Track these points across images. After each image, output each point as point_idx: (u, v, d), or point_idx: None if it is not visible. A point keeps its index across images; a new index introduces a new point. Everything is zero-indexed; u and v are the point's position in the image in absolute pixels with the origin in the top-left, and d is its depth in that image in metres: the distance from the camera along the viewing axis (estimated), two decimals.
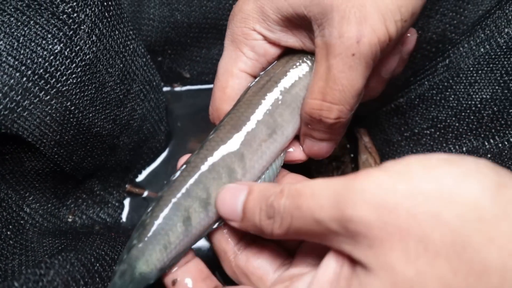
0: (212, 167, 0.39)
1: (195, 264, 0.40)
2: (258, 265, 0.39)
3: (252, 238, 0.41)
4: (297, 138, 0.46)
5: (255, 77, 0.44)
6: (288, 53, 0.44)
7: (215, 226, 0.40)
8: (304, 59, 0.43)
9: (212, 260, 0.44)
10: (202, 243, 0.55)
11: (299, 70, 0.43)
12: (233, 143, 0.40)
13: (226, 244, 0.41)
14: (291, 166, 0.46)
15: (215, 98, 0.44)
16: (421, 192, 0.26)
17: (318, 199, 0.30)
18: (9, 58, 0.37)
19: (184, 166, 0.40)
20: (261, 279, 0.39)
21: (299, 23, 0.40)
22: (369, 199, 0.27)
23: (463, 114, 0.49)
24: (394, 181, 0.27)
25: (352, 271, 0.30)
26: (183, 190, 0.39)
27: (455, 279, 0.25)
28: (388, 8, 0.36)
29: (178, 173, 0.40)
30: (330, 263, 0.31)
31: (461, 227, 0.25)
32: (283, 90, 0.42)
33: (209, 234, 0.41)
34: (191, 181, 0.39)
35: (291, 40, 0.42)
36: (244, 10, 0.42)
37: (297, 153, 0.45)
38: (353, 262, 0.30)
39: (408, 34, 0.45)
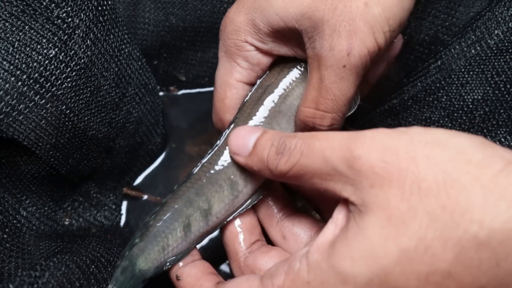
0: (214, 179, 0.42)
1: (201, 262, 0.42)
2: (266, 262, 0.41)
3: (262, 243, 0.43)
4: None
5: (251, 84, 0.46)
6: (280, 61, 0.45)
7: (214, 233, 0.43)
8: (295, 69, 0.45)
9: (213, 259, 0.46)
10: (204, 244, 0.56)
11: (292, 80, 0.44)
12: None
13: (238, 246, 0.42)
14: None
15: (216, 109, 0.46)
16: (420, 140, 0.30)
17: (331, 141, 0.33)
18: (4, 62, 0.38)
19: (187, 177, 0.42)
20: None
21: (290, 35, 0.42)
22: (376, 143, 0.31)
23: (455, 114, 0.50)
24: (399, 133, 0.31)
25: (348, 216, 0.33)
26: (186, 199, 0.41)
27: (442, 213, 0.28)
28: (376, 21, 0.38)
29: (181, 184, 0.42)
30: (329, 228, 0.34)
31: (452, 168, 0.29)
32: (279, 100, 0.44)
33: (222, 235, 0.44)
34: (194, 192, 0.41)
35: (283, 49, 0.44)
36: (235, 22, 0.42)
37: None
38: (349, 209, 0.33)
39: (395, 40, 0.46)
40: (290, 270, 0.34)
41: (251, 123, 0.43)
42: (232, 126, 0.43)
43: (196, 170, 0.42)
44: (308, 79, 0.42)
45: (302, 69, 0.45)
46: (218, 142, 0.43)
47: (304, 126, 0.43)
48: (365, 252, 0.30)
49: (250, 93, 0.45)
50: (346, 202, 0.33)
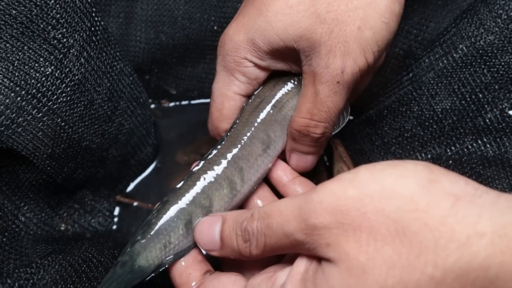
0: (215, 178, 0.43)
1: (192, 250, 0.42)
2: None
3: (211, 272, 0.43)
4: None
5: (247, 96, 0.48)
6: (274, 75, 0.48)
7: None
8: (289, 83, 0.47)
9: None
10: None
11: (287, 93, 0.47)
12: (233, 158, 0.44)
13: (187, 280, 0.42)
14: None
15: (213, 118, 0.48)
16: (367, 194, 0.31)
17: (285, 215, 0.34)
18: (5, 80, 0.40)
19: (188, 176, 0.44)
20: None
21: (287, 53, 0.44)
22: (326, 207, 0.32)
23: (426, 123, 0.52)
24: (345, 188, 0.32)
25: (318, 264, 0.34)
26: (188, 196, 0.42)
27: (399, 259, 0.29)
28: (368, 43, 0.41)
29: (182, 182, 0.43)
30: (303, 259, 0.35)
31: (401, 218, 0.30)
32: (274, 110, 0.46)
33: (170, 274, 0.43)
34: (196, 189, 0.43)
35: (279, 65, 0.46)
36: (235, 40, 0.44)
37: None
38: (319, 259, 0.34)
39: None
40: None
41: (249, 128, 0.45)
42: (230, 132, 0.45)
43: (196, 169, 0.44)
44: (302, 92, 0.44)
45: (296, 82, 0.47)
46: (217, 144, 0.45)
47: (299, 135, 0.46)
48: None
49: (248, 102, 0.47)
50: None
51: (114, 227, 0.60)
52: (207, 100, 0.68)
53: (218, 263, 0.44)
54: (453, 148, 0.51)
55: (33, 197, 0.50)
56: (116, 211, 0.61)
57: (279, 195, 0.48)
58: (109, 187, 0.59)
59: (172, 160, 0.65)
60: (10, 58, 0.41)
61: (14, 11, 0.40)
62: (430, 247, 0.29)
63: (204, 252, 0.43)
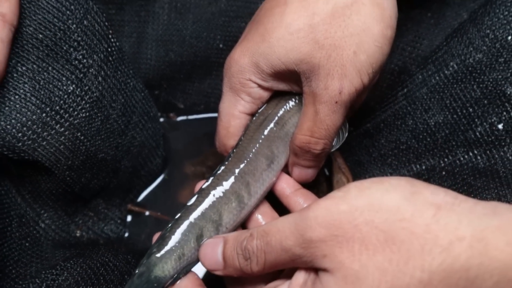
0: (224, 193, 0.45)
1: (191, 274, 0.45)
2: None
3: None
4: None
5: (251, 115, 0.50)
6: (277, 94, 0.50)
7: None
8: (291, 101, 0.49)
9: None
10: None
11: (288, 111, 0.49)
12: (240, 173, 0.46)
13: None
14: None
15: (221, 136, 0.50)
16: (357, 208, 0.34)
17: (282, 232, 0.36)
18: (32, 98, 0.43)
19: (199, 193, 0.45)
20: None
21: (289, 75, 0.46)
22: (320, 221, 0.34)
23: (420, 136, 0.54)
24: (337, 204, 0.34)
25: (316, 276, 0.36)
26: (199, 212, 0.44)
27: (390, 266, 0.32)
28: (363, 66, 0.43)
29: (193, 199, 0.45)
30: (301, 272, 0.37)
31: (389, 228, 0.32)
32: (277, 127, 0.48)
33: None
34: (206, 205, 0.45)
35: (281, 85, 0.48)
36: (240, 63, 0.46)
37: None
38: (317, 270, 0.36)
39: None
40: None
41: (254, 144, 0.47)
42: (236, 148, 0.47)
43: (206, 185, 0.46)
44: (303, 111, 0.46)
45: (297, 102, 0.49)
46: (225, 160, 0.47)
47: (300, 150, 0.48)
48: None
49: (252, 120, 0.49)
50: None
51: (126, 234, 0.62)
52: (213, 114, 0.70)
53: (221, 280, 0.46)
54: (446, 159, 0.53)
55: (52, 205, 0.52)
56: (128, 219, 0.63)
57: (282, 207, 0.51)
58: (121, 196, 0.61)
59: (180, 171, 0.67)
60: (37, 78, 0.44)
61: (40, 35, 0.43)
62: (416, 253, 0.31)
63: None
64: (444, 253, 0.31)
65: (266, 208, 0.50)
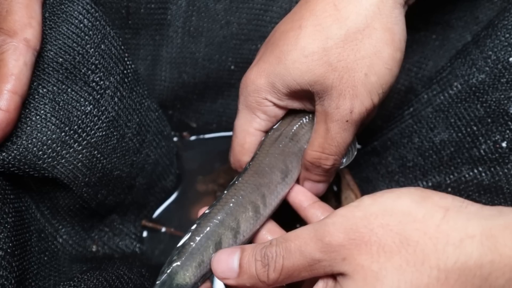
0: (241, 203, 0.46)
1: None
2: None
3: None
4: None
5: (265, 132, 0.51)
6: (290, 112, 0.51)
7: None
8: (304, 119, 0.51)
9: None
10: None
11: (302, 128, 0.50)
12: (256, 185, 0.48)
13: None
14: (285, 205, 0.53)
15: (236, 152, 0.51)
16: (372, 213, 0.36)
17: (302, 238, 0.38)
18: (52, 118, 0.44)
19: (217, 201, 0.47)
20: None
21: (303, 94, 0.47)
22: (338, 227, 0.36)
23: (426, 154, 0.55)
24: (352, 211, 0.37)
25: (335, 282, 0.37)
26: (217, 220, 0.45)
27: (408, 266, 0.33)
28: (373, 87, 0.45)
29: (212, 207, 0.46)
30: (319, 283, 0.39)
31: (403, 230, 0.34)
32: (292, 143, 0.50)
33: None
34: (224, 213, 0.46)
35: (295, 104, 0.49)
36: (256, 83, 0.47)
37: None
38: (335, 278, 0.37)
39: None
40: None
41: (269, 159, 0.49)
42: (252, 162, 0.49)
43: (224, 195, 0.47)
44: (315, 128, 0.48)
45: (310, 119, 0.51)
46: (241, 173, 0.48)
47: (311, 166, 0.49)
48: None
49: (268, 135, 0.50)
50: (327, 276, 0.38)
51: (139, 249, 0.63)
52: (225, 133, 0.72)
53: None
54: (451, 176, 0.54)
55: (69, 220, 0.54)
56: (142, 235, 0.64)
57: (299, 218, 0.52)
58: (136, 212, 0.62)
59: (193, 188, 0.68)
60: (56, 99, 0.45)
61: (61, 59, 0.45)
62: (431, 253, 0.33)
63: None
64: (457, 251, 0.32)
65: (274, 226, 0.51)
